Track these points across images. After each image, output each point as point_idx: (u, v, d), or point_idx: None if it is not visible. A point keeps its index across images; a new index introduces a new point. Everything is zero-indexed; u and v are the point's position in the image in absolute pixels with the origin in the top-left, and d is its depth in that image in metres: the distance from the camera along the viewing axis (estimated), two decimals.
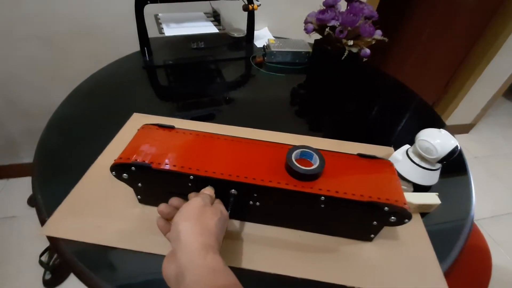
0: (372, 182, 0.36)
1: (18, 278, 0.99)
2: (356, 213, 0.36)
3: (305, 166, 0.35)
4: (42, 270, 0.99)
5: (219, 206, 0.34)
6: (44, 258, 1.02)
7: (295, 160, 0.36)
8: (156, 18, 0.85)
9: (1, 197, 1.23)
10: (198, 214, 0.30)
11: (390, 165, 0.40)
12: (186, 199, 0.36)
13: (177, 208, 0.34)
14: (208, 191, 0.35)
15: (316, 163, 0.36)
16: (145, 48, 0.79)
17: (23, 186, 1.27)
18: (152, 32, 0.79)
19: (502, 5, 1.33)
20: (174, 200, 0.35)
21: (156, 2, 0.71)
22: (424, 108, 0.76)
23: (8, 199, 1.23)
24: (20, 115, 1.10)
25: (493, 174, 1.61)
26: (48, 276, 0.99)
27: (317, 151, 0.37)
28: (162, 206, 0.34)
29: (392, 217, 0.34)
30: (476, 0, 1.34)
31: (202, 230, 0.28)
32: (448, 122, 1.75)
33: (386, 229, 0.38)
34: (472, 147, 1.78)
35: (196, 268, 0.25)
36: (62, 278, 1.00)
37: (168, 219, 0.34)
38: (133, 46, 0.81)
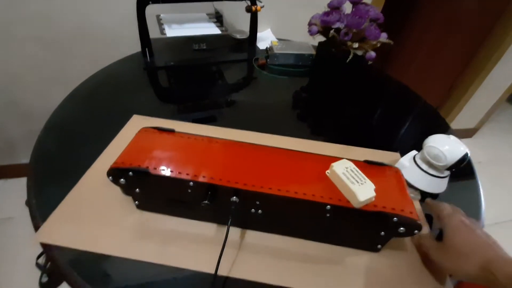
0: (380, 190, 0.34)
1: (14, 280, 0.98)
2: (362, 223, 0.34)
3: None
4: (38, 272, 0.97)
5: None
6: (41, 260, 1.00)
7: None
8: (158, 18, 0.84)
9: None
10: None
11: (398, 172, 0.38)
12: (187, 205, 0.34)
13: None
14: None
15: None
16: (146, 49, 0.78)
17: (21, 187, 1.24)
18: (153, 33, 0.78)
19: (507, 9, 1.32)
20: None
21: (158, 3, 0.70)
22: (429, 112, 0.74)
23: (6, 199, 1.21)
24: (20, 116, 1.09)
25: (497, 180, 1.59)
26: (45, 279, 0.97)
27: None
28: None
29: (401, 228, 0.33)
30: (480, 4, 1.33)
31: None
32: (452, 126, 1.73)
33: (393, 239, 0.37)
34: (475, 152, 1.77)
35: None
36: (59, 281, 0.98)
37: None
38: (134, 47, 0.80)
